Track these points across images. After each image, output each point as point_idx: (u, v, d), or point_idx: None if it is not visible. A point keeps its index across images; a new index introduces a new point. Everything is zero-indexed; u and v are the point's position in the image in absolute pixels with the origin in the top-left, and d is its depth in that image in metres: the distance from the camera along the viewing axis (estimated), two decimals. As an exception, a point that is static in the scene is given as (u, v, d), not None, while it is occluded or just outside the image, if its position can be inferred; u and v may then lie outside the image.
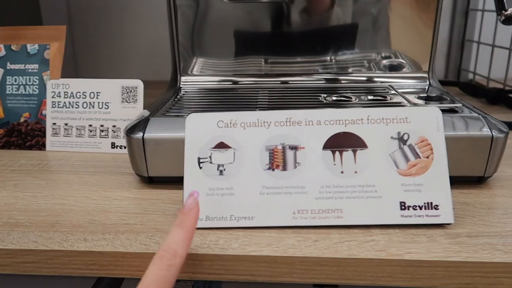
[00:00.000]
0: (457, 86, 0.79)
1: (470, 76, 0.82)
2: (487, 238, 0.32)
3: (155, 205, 0.38)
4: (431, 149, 0.34)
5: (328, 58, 0.58)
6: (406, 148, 0.34)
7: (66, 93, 0.52)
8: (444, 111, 0.42)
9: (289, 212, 0.34)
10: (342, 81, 0.57)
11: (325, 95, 0.50)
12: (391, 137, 0.35)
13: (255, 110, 0.45)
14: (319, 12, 0.56)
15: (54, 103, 0.53)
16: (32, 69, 0.54)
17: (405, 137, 0.34)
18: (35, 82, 0.54)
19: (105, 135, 0.51)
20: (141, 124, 0.41)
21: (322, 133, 0.35)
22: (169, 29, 0.56)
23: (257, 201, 0.34)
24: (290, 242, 0.32)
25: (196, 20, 0.56)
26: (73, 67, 0.93)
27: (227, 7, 0.56)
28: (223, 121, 0.36)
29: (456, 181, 0.38)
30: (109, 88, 0.52)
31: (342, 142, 0.35)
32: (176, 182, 0.35)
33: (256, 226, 0.34)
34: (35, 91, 0.54)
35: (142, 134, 0.40)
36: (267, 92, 0.53)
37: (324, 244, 0.32)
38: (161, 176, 0.41)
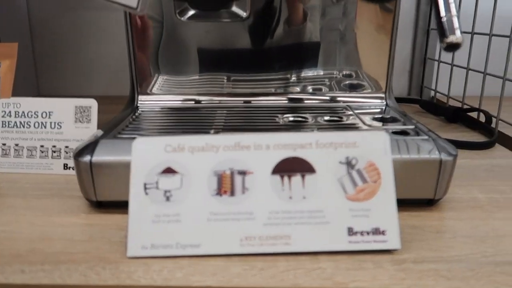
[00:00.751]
0: (419, 104, 0.80)
1: (432, 93, 0.84)
2: (432, 264, 0.32)
3: (102, 232, 0.37)
4: (379, 174, 0.34)
5: (289, 77, 0.58)
6: (354, 173, 0.34)
7: (17, 113, 0.51)
8: (396, 133, 0.43)
9: (237, 239, 0.33)
10: (303, 101, 0.57)
11: (282, 116, 0.50)
12: (340, 162, 0.34)
13: (210, 131, 0.45)
14: (280, 32, 0.56)
15: (4, 122, 0.51)
16: (-19, 87, 0.52)
17: (353, 162, 0.34)
18: (-16, 101, 0.52)
19: (58, 156, 0.50)
20: (89, 147, 0.40)
21: (271, 158, 0.35)
22: (127, 47, 0.55)
23: (204, 228, 0.33)
24: (236, 271, 0.31)
25: (154, 38, 0.56)
26: (35, 83, 0.90)
27: (187, 26, 0.56)
28: (170, 146, 0.35)
29: (407, 204, 0.39)
30: (61, 108, 0.50)
31: (291, 167, 0.34)
32: (126, 206, 0.34)
33: (202, 254, 0.33)
34: (-16, 110, 0.52)
35: (90, 158, 0.39)
36: (225, 112, 0.53)
37: (270, 273, 0.31)
38: (110, 201, 0.40)
